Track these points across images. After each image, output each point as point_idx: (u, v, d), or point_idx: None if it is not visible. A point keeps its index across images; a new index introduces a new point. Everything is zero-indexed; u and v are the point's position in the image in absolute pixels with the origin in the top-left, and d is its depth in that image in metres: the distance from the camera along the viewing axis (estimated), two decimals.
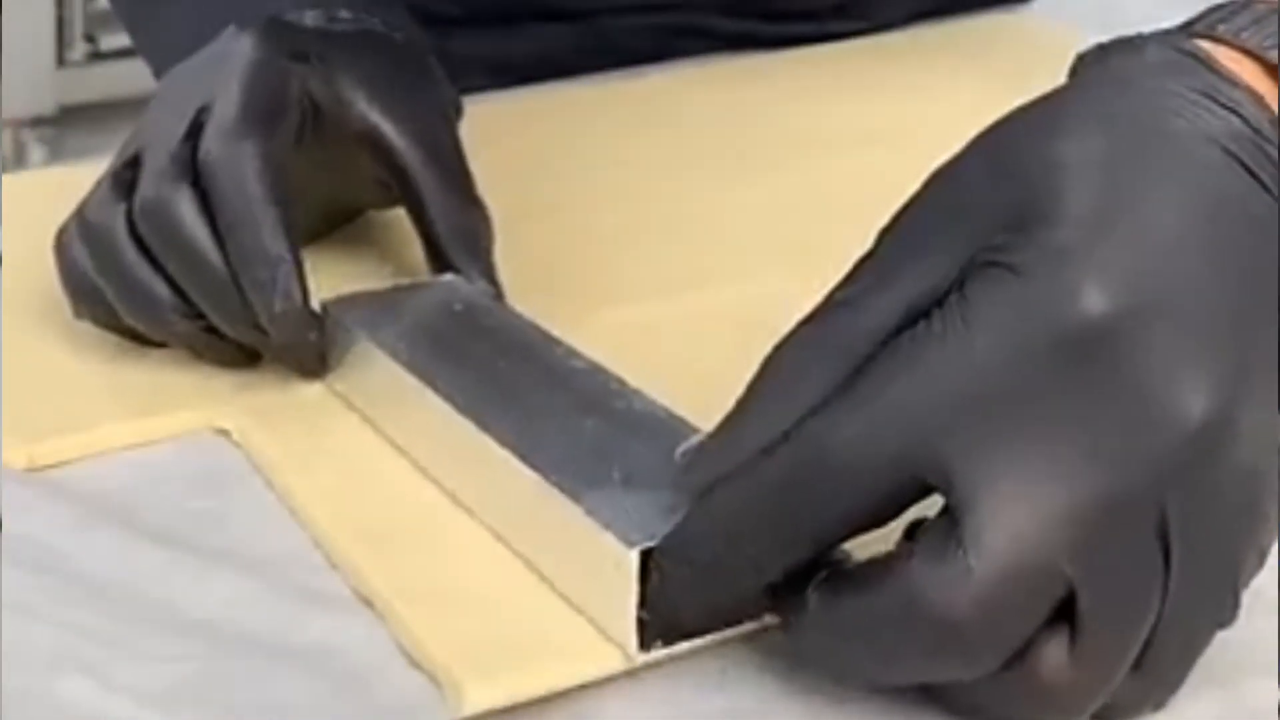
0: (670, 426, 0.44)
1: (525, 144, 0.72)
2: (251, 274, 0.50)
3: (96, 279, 0.52)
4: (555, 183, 0.68)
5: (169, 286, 0.51)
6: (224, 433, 0.51)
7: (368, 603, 0.43)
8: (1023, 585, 0.36)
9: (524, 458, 0.43)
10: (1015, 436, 0.36)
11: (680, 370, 0.51)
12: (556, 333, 0.50)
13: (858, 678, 0.39)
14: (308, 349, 0.51)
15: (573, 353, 0.49)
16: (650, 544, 0.39)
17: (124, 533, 0.46)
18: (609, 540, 0.40)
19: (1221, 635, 0.39)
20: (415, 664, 0.41)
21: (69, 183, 0.55)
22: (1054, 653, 0.37)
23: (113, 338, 0.54)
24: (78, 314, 0.54)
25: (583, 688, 0.40)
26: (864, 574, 0.37)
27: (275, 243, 0.50)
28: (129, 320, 0.52)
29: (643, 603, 0.39)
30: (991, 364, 0.36)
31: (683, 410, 0.45)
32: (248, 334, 0.51)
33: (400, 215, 0.58)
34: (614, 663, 0.40)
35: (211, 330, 0.51)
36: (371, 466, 0.49)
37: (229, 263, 0.50)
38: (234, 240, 0.50)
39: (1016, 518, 0.35)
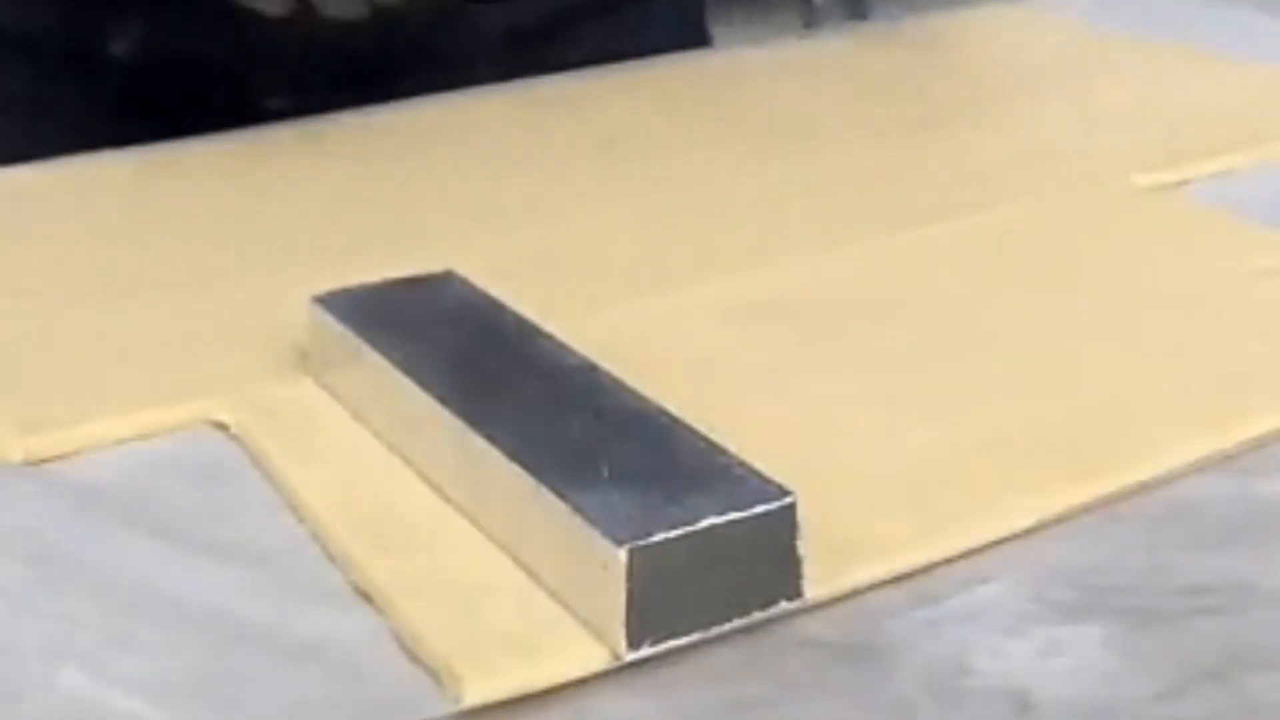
0: (661, 424, 0.44)
1: (530, 135, 0.72)
2: None
3: None
4: (557, 175, 0.68)
5: None
6: (222, 426, 0.51)
7: (366, 596, 0.43)
8: None
9: (513, 455, 0.43)
10: None
11: (675, 365, 0.51)
12: (551, 328, 0.51)
13: None
14: None
15: (564, 348, 0.49)
16: (639, 543, 0.39)
17: (121, 526, 0.46)
18: (597, 539, 0.40)
19: (1221, 628, 0.39)
20: (414, 657, 0.41)
21: (58, 176, 0.56)
22: None
23: (109, 330, 0.54)
24: None
25: (584, 680, 0.40)
26: None
27: None
28: None
29: (632, 600, 0.39)
30: None
31: (675, 406, 0.45)
32: None
33: (390, 211, 0.58)
34: (608, 660, 0.40)
35: None
36: (370, 461, 0.49)
37: None
38: None
39: None
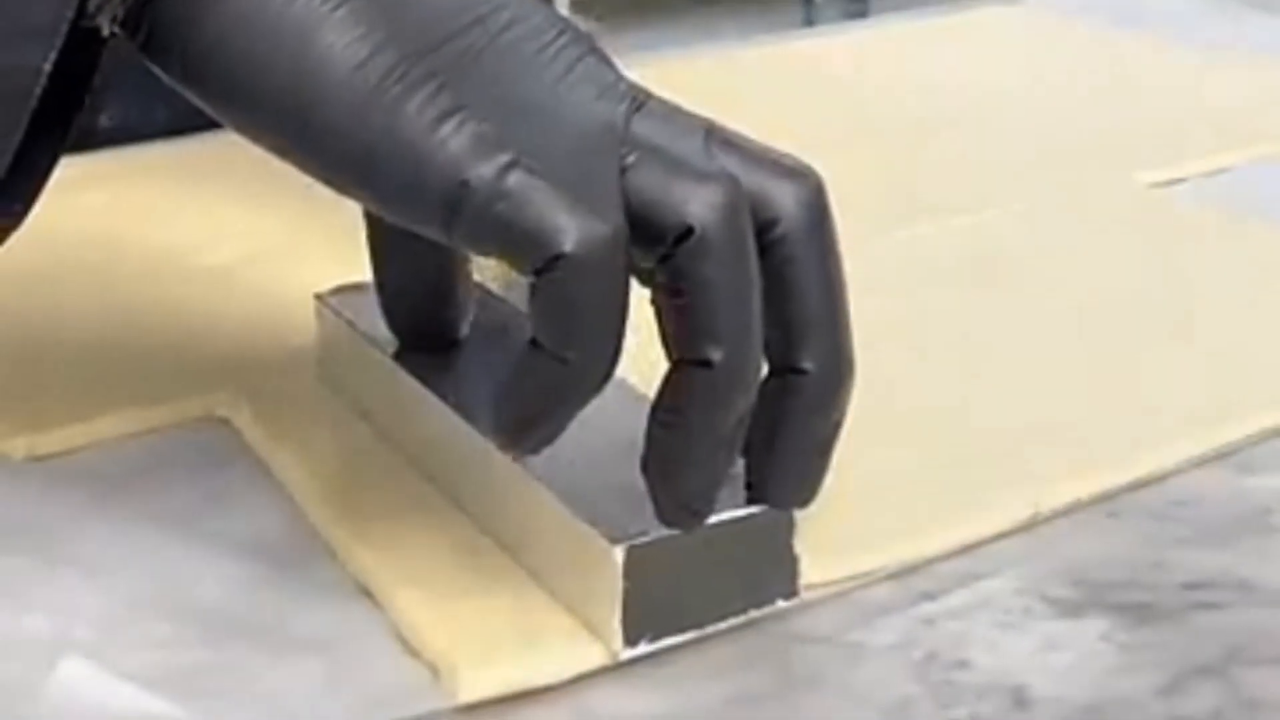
0: None
1: None
2: None
3: None
4: None
5: None
6: (224, 421, 0.51)
7: (365, 591, 0.43)
8: None
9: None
10: None
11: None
12: None
13: None
14: None
15: None
16: (635, 541, 0.39)
17: (124, 521, 0.47)
18: (594, 537, 0.40)
19: (1219, 623, 0.39)
20: (412, 652, 0.41)
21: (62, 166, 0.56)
22: None
23: (111, 326, 0.54)
24: None
25: (581, 676, 0.40)
26: None
27: None
28: None
29: (628, 599, 0.39)
30: None
31: None
32: None
33: None
34: (605, 657, 0.40)
35: None
36: (370, 456, 0.49)
37: None
38: None
39: None
